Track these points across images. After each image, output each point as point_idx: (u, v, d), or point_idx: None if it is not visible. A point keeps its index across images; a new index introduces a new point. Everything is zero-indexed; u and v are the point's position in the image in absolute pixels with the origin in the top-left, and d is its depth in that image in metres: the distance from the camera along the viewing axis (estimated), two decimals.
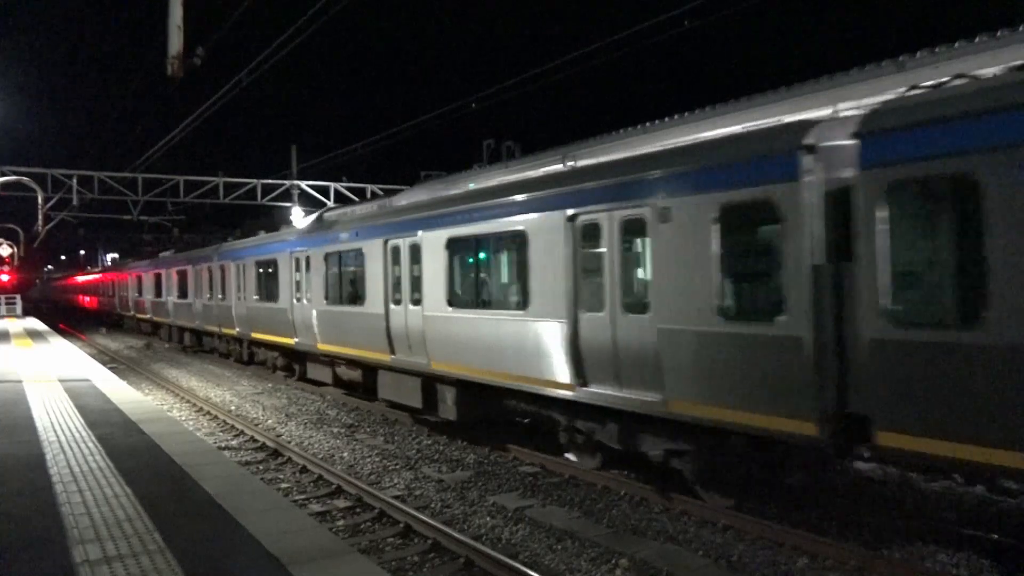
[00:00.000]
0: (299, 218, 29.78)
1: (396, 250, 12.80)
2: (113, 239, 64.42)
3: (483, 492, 9.37)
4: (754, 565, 6.90)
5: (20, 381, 13.84)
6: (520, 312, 9.83)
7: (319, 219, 17.54)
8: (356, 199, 31.72)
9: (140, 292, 35.86)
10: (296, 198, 31.47)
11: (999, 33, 11.69)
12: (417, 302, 12.03)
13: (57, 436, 8.79)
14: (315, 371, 17.29)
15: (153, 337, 34.54)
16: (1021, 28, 11.43)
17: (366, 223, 14.12)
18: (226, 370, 22.74)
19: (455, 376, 11.26)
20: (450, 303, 11.25)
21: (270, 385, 19.31)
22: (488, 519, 8.35)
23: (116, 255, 66.26)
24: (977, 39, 11.97)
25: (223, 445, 12.48)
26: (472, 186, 14.13)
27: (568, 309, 8.97)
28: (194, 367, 23.80)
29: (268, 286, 19.23)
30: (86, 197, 29.42)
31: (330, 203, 30.99)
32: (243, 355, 22.72)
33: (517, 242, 10.06)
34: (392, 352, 12.79)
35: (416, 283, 12.20)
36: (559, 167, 13.56)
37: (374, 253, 13.38)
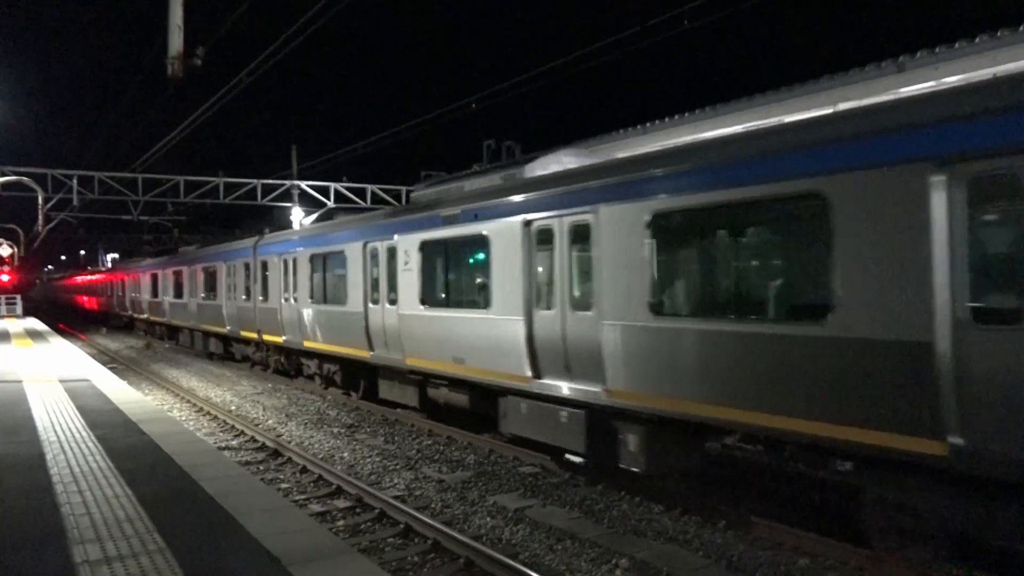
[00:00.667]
0: (299, 218, 29.84)
1: (545, 235, 9.61)
2: (113, 240, 64.32)
3: (483, 492, 9.37)
4: (754, 565, 6.90)
5: (20, 381, 13.84)
6: (817, 323, 6.34)
7: (407, 201, 14.49)
8: (356, 199, 31.74)
9: (155, 293, 32.12)
10: (296, 198, 31.47)
11: (999, 33, 11.70)
12: (584, 306, 8.93)
13: (57, 436, 8.79)
14: (392, 390, 13.97)
15: (171, 342, 31.70)
16: (1021, 28, 11.43)
17: (491, 200, 10.63)
18: (226, 370, 22.74)
19: (650, 412, 8.10)
20: (656, 309, 7.94)
21: (270, 385, 19.31)
22: (488, 519, 8.35)
23: (116, 255, 66.22)
24: (977, 39, 11.98)
25: (223, 445, 12.47)
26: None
27: (943, 319, 5.50)
28: (194, 367, 23.80)
29: (330, 285, 15.84)
30: (86, 197, 29.40)
31: (330, 203, 31.02)
32: (291, 367, 19.34)
33: (802, 214, 6.87)
34: (536, 374, 9.69)
35: (583, 279, 9.13)
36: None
37: (506, 240, 10.14)
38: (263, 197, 31.35)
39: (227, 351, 24.29)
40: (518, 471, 10.30)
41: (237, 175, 31.05)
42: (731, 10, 12.98)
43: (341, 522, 8.48)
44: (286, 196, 31.46)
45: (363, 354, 14.20)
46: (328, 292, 15.92)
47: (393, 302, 13.01)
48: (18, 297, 45.63)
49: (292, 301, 17.46)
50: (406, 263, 12.58)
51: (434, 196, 12.77)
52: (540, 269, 9.81)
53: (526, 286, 9.85)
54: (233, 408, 16.05)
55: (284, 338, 18.21)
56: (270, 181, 31.36)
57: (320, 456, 11.44)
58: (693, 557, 7.14)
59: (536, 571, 6.66)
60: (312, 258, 16.49)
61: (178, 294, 28.26)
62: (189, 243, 37.93)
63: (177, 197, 30.69)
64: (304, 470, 10.71)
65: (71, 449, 8.10)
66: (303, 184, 31.54)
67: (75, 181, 28.75)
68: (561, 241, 9.34)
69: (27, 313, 46.14)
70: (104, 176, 29.25)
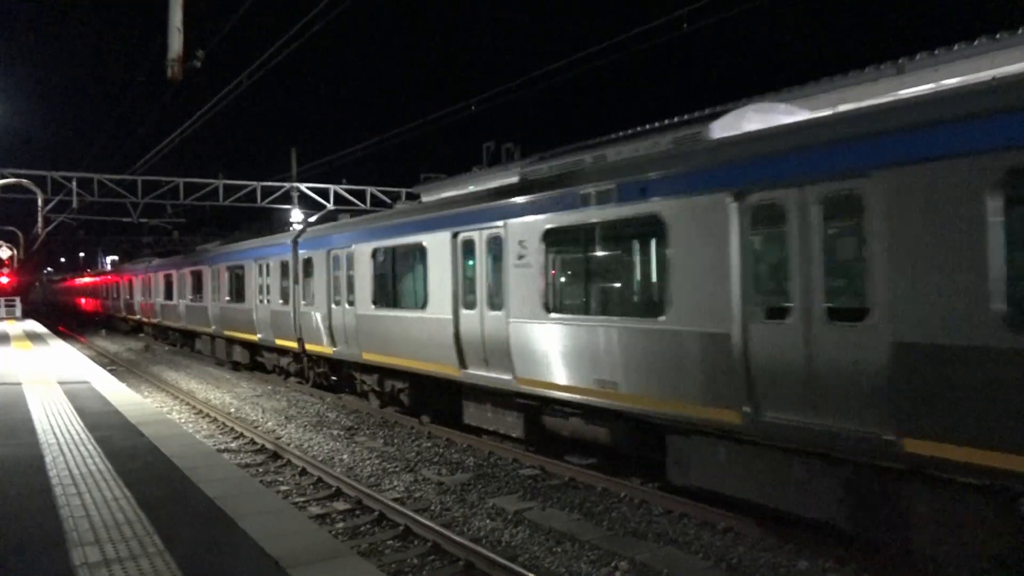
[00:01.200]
0: (299, 220, 29.84)
1: (770, 213, 6.86)
2: (113, 242, 64.32)
3: (483, 494, 9.36)
4: (754, 568, 6.89)
5: (19, 383, 13.82)
6: None
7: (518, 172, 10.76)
8: (356, 201, 31.76)
9: (169, 295, 29.43)
10: (296, 200, 31.51)
11: (998, 35, 11.73)
12: (852, 313, 6.26)
13: (56, 438, 8.78)
14: (484, 416, 11.42)
15: (184, 347, 29.77)
16: (1020, 31, 11.45)
17: (671, 169, 7.82)
18: (225, 372, 22.71)
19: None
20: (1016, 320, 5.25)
21: (269, 388, 19.29)
22: (488, 521, 8.34)
23: (116, 257, 66.19)
24: (976, 42, 12.01)
25: (222, 447, 12.47)
26: None
27: None
28: (193, 369, 23.78)
29: (402, 286, 13.27)
30: (86, 199, 29.43)
31: (330, 205, 31.05)
32: (342, 383, 16.55)
33: None
34: (754, 409, 6.89)
35: (843, 272, 6.61)
36: None
37: (698, 222, 7.41)
38: (262, 199, 31.38)
39: (254, 360, 21.63)
40: (518, 473, 10.29)
41: (237, 177, 31.11)
42: (730, 13, 12.99)
43: (340, 524, 8.47)
44: (285, 198, 31.51)
45: (449, 371, 11.49)
46: (398, 294, 13.28)
47: (497, 307, 10.38)
48: (17, 299, 45.61)
49: (346, 305, 14.69)
50: (520, 257, 9.86)
51: (556, 170, 9.79)
52: (762, 260, 7.23)
53: (738, 285, 7.06)
54: (232, 410, 16.04)
55: (334, 349, 15.40)
56: (269, 183, 31.42)
57: (319, 458, 11.43)
58: (693, 559, 7.13)
59: (536, 573, 6.66)
60: (375, 253, 13.71)
61: (197, 296, 25.49)
62: (189, 245, 37.77)
63: (176, 199, 30.72)
64: (303, 472, 10.70)
65: (70, 451, 8.09)
66: (303, 186, 31.58)
67: (74, 183, 28.76)
68: (807, 222, 6.54)
69: (26, 315, 46.12)
70: (103, 178, 29.27)
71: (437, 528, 7.75)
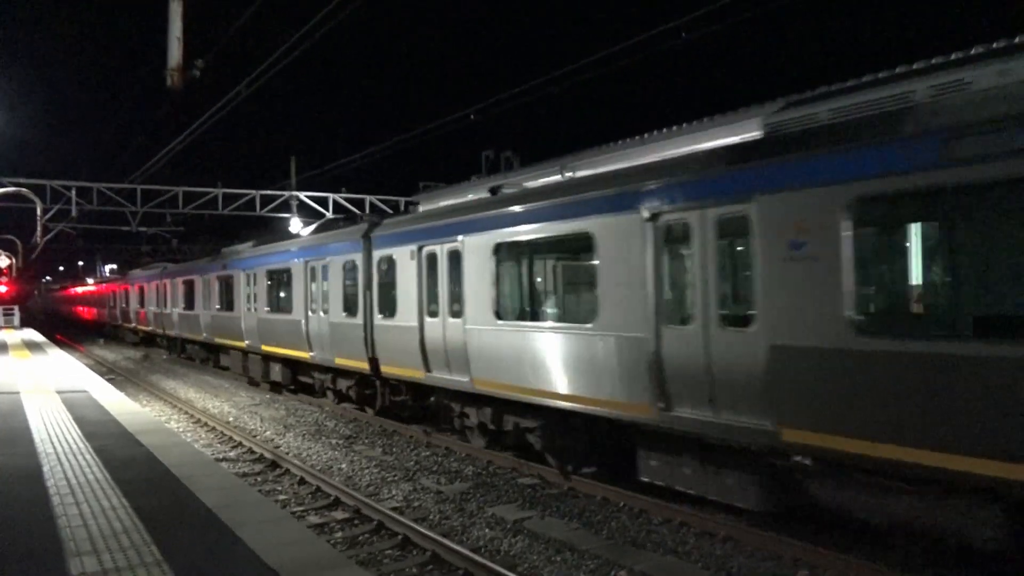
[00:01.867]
0: (298, 229, 29.86)
1: None
2: (111, 250, 64.36)
3: (482, 504, 9.34)
4: None
5: (17, 393, 13.80)
6: None
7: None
8: (355, 210, 31.79)
9: (190, 304, 26.08)
10: (295, 209, 31.56)
11: (995, 44, 11.76)
12: None
13: (54, 448, 8.76)
14: (678, 473, 8.34)
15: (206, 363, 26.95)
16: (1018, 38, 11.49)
17: None
18: (224, 381, 22.68)
19: None
20: None
21: (268, 396, 19.26)
22: (487, 531, 8.32)
23: (115, 265, 66.17)
24: (974, 50, 12.04)
25: (221, 456, 12.44)
26: None
27: None
28: (191, 378, 23.75)
29: (549, 292, 10.85)
30: (85, 208, 29.46)
31: (329, 214, 31.07)
32: (446, 416, 12.73)
33: None
34: None
35: None
36: None
37: None
38: (261, 208, 31.43)
39: (296, 381, 18.60)
40: (517, 482, 10.27)
41: (236, 186, 31.17)
42: (727, 22, 13.03)
43: (339, 534, 8.44)
44: (284, 207, 31.56)
45: (633, 410, 8.32)
46: (540, 303, 10.75)
47: (740, 321, 7.29)
48: (16, 308, 45.58)
49: (449, 317, 11.54)
50: (797, 247, 6.55)
51: (854, 113, 6.61)
52: None
53: None
54: (231, 419, 16.01)
55: (427, 373, 12.22)
56: (269, 192, 31.47)
57: (318, 467, 11.41)
58: (692, 569, 7.12)
59: None
60: (499, 249, 10.50)
61: (226, 306, 22.33)
62: (188, 254, 37.68)
63: (176, 208, 30.76)
64: (302, 481, 10.67)
65: (68, 461, 8.07)
66: (302, 195, 31.63)
67: (74, 192, 28.81)
68: None
69: (25, 324, 46.08)
70: (103, 187, 29.32)
71: (436, 537, 7.73)
